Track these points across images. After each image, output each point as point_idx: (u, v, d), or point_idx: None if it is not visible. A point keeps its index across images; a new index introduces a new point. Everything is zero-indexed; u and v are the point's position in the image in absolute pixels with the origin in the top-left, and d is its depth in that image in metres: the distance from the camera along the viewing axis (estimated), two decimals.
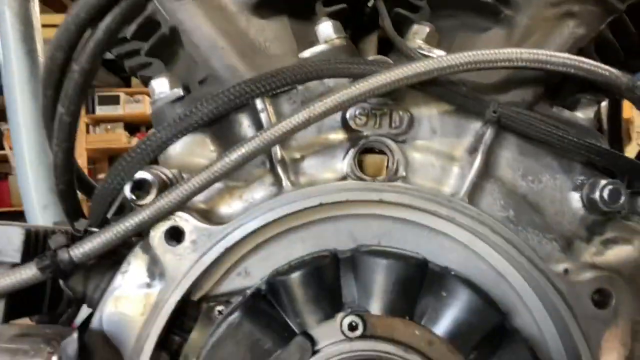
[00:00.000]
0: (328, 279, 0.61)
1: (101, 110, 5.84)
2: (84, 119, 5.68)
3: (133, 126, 5.91)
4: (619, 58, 0.78)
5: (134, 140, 5.48)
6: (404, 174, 0.67)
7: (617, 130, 1.02)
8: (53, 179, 0.75)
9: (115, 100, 5.88)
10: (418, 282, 0.61)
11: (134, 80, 6.24)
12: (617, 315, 0.63)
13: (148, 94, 0.79)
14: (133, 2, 0.70)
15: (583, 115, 0.73)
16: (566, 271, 0.64)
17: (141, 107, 5.72)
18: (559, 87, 0.76)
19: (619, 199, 0.65)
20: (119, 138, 5.70)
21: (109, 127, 5.94)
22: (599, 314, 0.62)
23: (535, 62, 0.64)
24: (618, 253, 0.67)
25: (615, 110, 1.07)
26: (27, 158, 1.14)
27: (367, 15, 0.88)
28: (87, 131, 5.84)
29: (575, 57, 0.64)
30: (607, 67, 0.65)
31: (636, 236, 0.68)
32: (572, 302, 0.62)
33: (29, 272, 0.59)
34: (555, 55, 0.64)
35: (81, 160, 5.45)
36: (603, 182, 0.66)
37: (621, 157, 0.68)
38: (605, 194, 0.65)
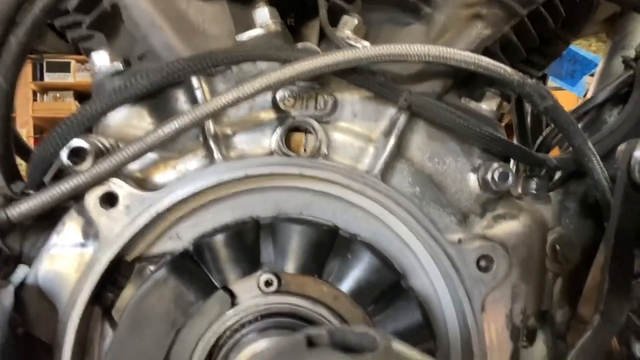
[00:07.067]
0: (249, 241, 0.68)
1: (50, 78, 5.58)
2: (30, 86, 5.42)
3: (84, 95, 5.68)
4: (521, 56, 0.89)
5: None
6: (325, 151, 0.75)
7: (523, 123, 1.15)
8: None
9: (65, 68, 5.63)
10: (328, 246, 0.69)
11: None
12: (498, 279, 0.74)
13: None
14: None
15: (487, 106, 0.83)
16: (459, 241, 0.75)
17: None
18: (468, 81, 0.85)
19: (506, 180, 0.76)
20: (69, 107, 5.49)
21: (57, 95, 5.70)
22: (482, 277, 0.73)
23: (440, 58, 0.72)
24: (505, 227, 0.78)
25: (519, 105, 1.20)
26: None
27: (311, 2, 0.94)
28: (34, 98, 5.58)
29: (476, 55, 0.74)
30: (502, 65, 0.75)
31: (522, 213, 0.80)
32: (460, 266, 0.72)
33: None
34: (458, 53, 0.73)
35: (27, 128, 5.21)
36: (495, 165, 0.76)
37: (512, 145, 0.78)
38: (496, 175, 0.76)
